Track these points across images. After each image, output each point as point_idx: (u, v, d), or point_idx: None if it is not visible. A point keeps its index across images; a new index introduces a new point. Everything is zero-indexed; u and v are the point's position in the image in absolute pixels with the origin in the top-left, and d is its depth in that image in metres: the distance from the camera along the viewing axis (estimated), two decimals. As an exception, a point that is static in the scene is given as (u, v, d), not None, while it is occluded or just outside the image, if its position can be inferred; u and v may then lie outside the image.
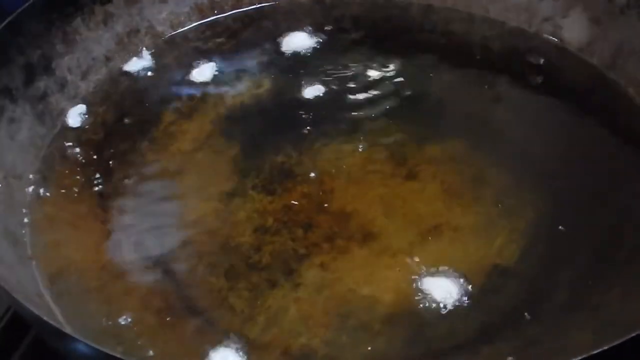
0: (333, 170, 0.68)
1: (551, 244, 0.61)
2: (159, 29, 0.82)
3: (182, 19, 0.83)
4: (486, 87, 0.76)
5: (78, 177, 0.69)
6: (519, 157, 0.69)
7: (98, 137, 0.73)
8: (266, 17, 0.84)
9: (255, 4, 0.83)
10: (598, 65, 0.75)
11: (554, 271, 0.60)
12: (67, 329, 0.53)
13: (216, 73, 0.77)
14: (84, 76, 0.77)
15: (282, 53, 0.80)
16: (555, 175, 0.67)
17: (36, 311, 0.50)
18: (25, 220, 0.64)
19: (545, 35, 0.79)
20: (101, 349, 0.47)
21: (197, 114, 0.75)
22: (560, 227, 0.62)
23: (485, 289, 0.58)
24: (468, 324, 0.57)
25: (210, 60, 0.79)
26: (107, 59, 0.79)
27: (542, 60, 0.77)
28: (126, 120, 0.74)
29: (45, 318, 0.50)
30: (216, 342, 0.56)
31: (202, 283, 0.60)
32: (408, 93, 0.75)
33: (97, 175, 0.69)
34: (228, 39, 0.82)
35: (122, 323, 0.57)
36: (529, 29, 0.80)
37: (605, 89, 0.73)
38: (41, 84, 0.73)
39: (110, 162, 0.70)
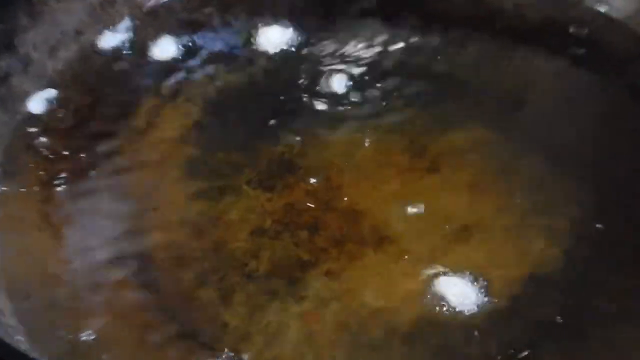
0: (342, 163, 0.66)
1: (597, 246, 0.59)
2: (138, -2, 0.81)
3: (167, -15, 0.82)
4: (520, 63, 0.73)
5: (44, 171, 0.66)
6: (558, 145, 0.66)
7: (67, 125, 0.70)
8: (264, -18, 0.83)
9: (252, -33, 0.83)
10: (650, 36, 0.74)
11: (601, 278, 0.58)
12: (33, 353, 0.52)
13: (183, 49, 0.75)
14: (52, 54, 0.74)
15: (282, 26, 0.77)
16: (601, 164, 0.65)
17: (-5, 332, 0.50)
18: (-17, 222, 0.64)
19: (589, 2, 0.77)
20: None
21: (182, 97, 0.73)
22: (607, 226, 0.60)
23: (521, 300, 0.57)
24: (501, 341, 0.55)
25: (193, 33, 0.77)
26: (79, 33, 0.76)
27: (585, 31, 0.75)
28: (100, 106, 0.72)
29: (6, 341, 0.49)
30: (206, 366, 0.55)
31: (188, 296, 0.58)
32: (428, 72, 0.73)
33: (67, 169, 0.67)
34: (219, 8, 0.79)
35: (95, 342, 0.55)
36: (570, -6, 0.79)
37: (658, 64, 0.72)
38: (2, 63, 0.70)
39: (82, 154, 0.68)
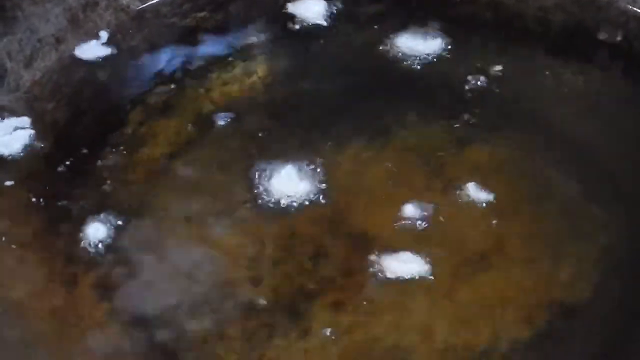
0: (350, 183, 0.69)
1: (632, 275, 0.63)
2: (124, 1, 0.83)
3: (154, -13, 0.84)
4: (547, 72, 0.76)
5: (22, 193, 0.70)
6: (590, 164, 0.70)
7: (47, 143, 0.73)
8: (261, -17, 0.84)
9: (248, -34, 0.84)
10: (693, 42, 0.76)
11: (636, 310, 0.61)
12: None
13: (173, 57, 0.78)
14: (28, 63, 0.78)
15: (282, 31, 0.81)
16: (638, 186, 0.68)
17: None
18: (-41, 248, 0.66)
19: (623, 4, 0.79)
20: None
21: (173, 111, 0.76)
22: (641, 255, 0.63)
23: (548, 333, 0.59)
24: (526, 379, 0.58)
25: (184, 40, 0.80)
26: (58, 41, 0.80)
27: (618, 37, 0.77)
28: (81, 120, 0.75)
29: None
30: (201, 408, 0.57)
31: (182, 330, 0.61)
32: (445, 82, 0.75)
33: (47, 191, 0.70)
34: (212, 12, 0.83)
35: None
36: (600, -5, 0.80)
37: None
38: (-28, 74, 0.75)
39: (63, 175, 0.71)
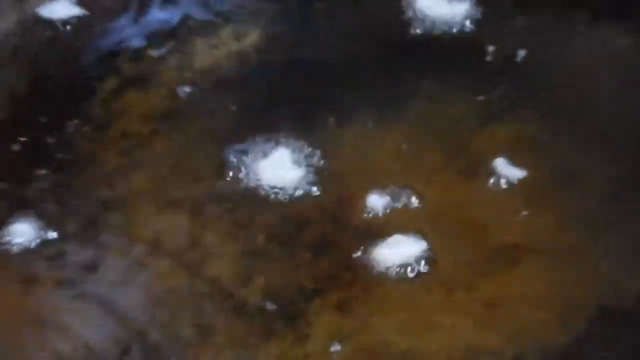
0: (356, 165, 0.67)
1: None
2: (93, -46, 0.82)
3: (127, -63, 0.83)
4: (589, 40, 0.74)
5: None
6: (629, 143, 0.68)
7: (4, 116, 0.71)
8: None
9: None
10: None
11: None
12: None
13: (152, 19, 0.76)
14: None
15: None
16: None
17: None
18: None
19: None
20: None
21: (150, 80, 0.74)
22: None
23: (584, 340, 0.57)
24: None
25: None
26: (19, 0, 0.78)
27: None
28: (45, 89, 0.73)
29: None
30: None
31: (161, 334, 0.59)
32: (465, 49, 0.74)
33: (2, 174, 0.67)
34: None
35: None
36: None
37: None
38: None
39: (21, 153, 0.69)
